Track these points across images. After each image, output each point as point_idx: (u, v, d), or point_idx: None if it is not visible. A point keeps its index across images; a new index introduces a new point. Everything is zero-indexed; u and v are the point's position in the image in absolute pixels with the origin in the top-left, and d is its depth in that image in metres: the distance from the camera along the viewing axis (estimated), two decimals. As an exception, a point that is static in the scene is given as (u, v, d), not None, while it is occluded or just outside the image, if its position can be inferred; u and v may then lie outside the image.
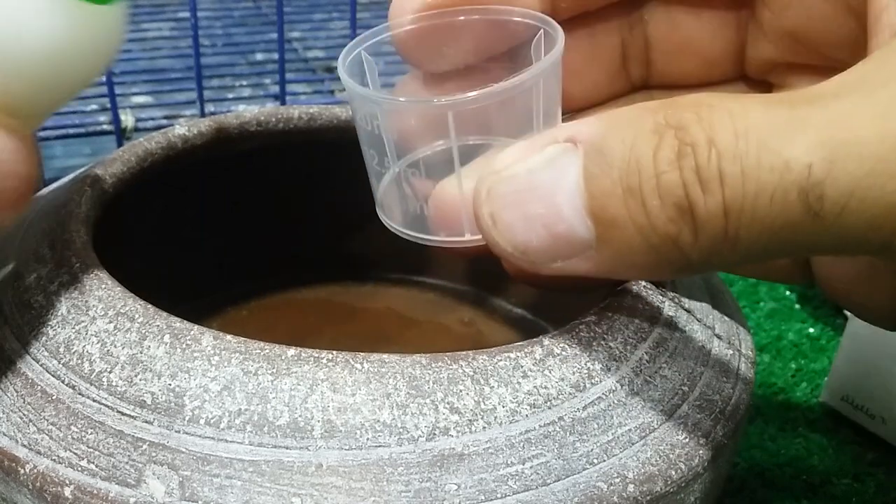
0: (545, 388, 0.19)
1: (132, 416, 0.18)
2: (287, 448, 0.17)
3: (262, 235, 0.33)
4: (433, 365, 0.19)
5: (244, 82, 0.56)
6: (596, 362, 0.20)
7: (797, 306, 0.41)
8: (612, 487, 0.18)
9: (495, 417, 0.18)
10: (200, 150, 0.29)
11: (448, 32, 0.22)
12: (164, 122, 0.47)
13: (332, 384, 0.18)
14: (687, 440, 0.20)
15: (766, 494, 0.31)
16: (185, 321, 0.19)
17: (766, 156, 0.15)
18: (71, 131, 0.44)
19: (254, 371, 0.18)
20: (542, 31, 0.21)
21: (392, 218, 0.23)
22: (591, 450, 0.18)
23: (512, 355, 0.19)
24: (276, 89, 0.52)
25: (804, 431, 0.34)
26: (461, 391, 0.18)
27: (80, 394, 0.19)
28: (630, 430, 0.19)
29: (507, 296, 0.34)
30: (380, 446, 0.18)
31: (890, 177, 0.15)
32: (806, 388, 0.36)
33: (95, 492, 0.17)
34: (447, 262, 0.34)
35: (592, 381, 0.19)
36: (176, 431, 0.18)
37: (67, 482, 0.17)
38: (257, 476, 0.17)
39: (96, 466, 0.17)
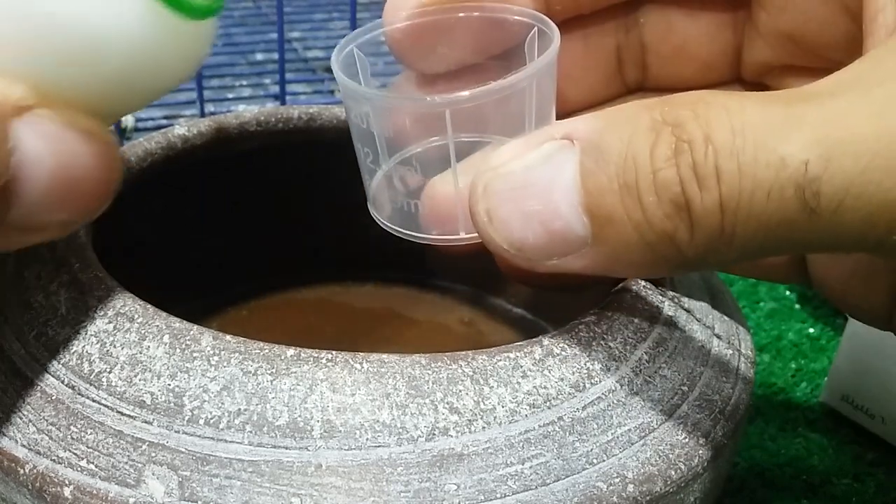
0: (545, 388, 0.19)
1: (132, 417, 0.18)
2: (286, 448, 0.17)
3: (262, 235, 0.33)
4: (433, 365, 0.19)
5: (244, 82, 0.56)
6: (595, 362, 0.20)
7: (797, 306, 0.41)
8: (611, 487, 0.18)
9: (495, 417, 0.18)
10: (200, 151, 0.29)
11: (443, 31, 0.22)
12: (164, 122, 0.47)
13: (331, 384, 0.18)
14: (686, 440, 0.20)
15: (766, 494, 0.31)
16: (184, 321, 0.19)
17: (763, 153, 0.15)
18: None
19: (253, 371, 0.18)
20: (535, 29, 0.21)
21: (384, 215, 0.23)
22: (591, 450, 0.18)
23: (511, 355, 0.19)
24: (276, 89, 0.52)
25: (804, 431, 0.34)
26: (461, 391, 0.18)
27: (79, 394, 0.19)
28: (630, 430, 0.19)
29: (507, 296, 0.34)
30: (379, 446, 0.18)
31: (886, 173, 0.15)
32: (806, 388, 0.36)
33: (95, 492, 0.17)
34: (447, 262, 0.34)
35: (592, 381, 0.19)
36: (175, 431, 0.18)
37: (67, 482, 0.17)
38: (257, 476, 0.17)
39: (96, 466, 0.17)
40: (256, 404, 0.18)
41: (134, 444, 0.18)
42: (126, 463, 0.17)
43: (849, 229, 0.15)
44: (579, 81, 0.24)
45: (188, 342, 0.19)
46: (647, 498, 0.18)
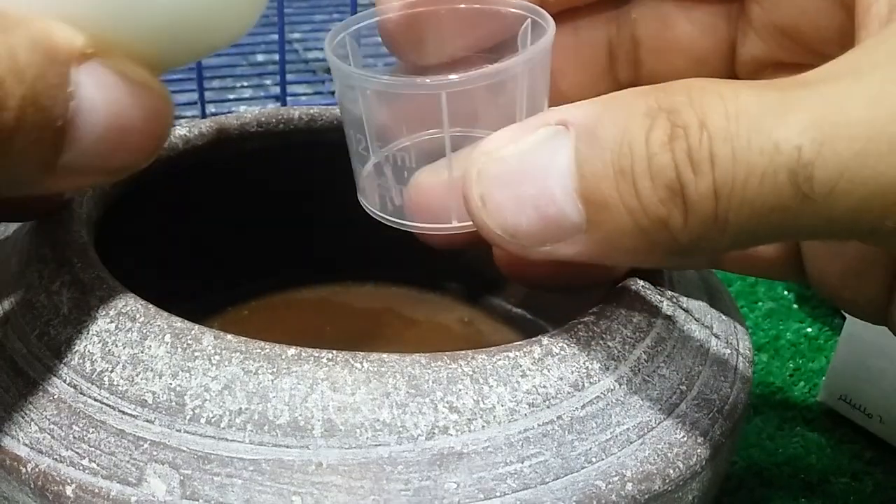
0: (544, 387, 0.19)
1: (133, 416, 0.18)
2: (287, 447, 0.18)
3: (262, 236, 0.33)
4: (432, 364, 0.19)
5: (245, 83, 0.56)
6: (594, 361, 0.20)
7: (795, 306, 0.41)
8: (610, 486, 0.18)
9: (494, 416, 0.18)
10: (201, 151, 0.29)
11: (436, 22, 0.22)
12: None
13: (331, 383, 0.18)
14: (685, 439, 0.20)
15: (764, 493, 0.31)
16: (185, 321, 0.20)
17: (757, 138, 0.15)
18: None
19: (254, 370, 0.18)
20: (529, 21, 0.21)
21: (374, 204, 0.22)
22: (590, 448, 0.19)
23: (511, 355, 0.19)
24: (276, 90, 0.52)
25: (802, 430, 0.34)
26: (460, 390, 0.18)
27: (81, 393, 0.19)
28: (628, 428, 0.19)
29: (507, 296, 0.34)
30: (379, 445, 0.18)
31: (879, 158, 0.15)
32: (804, 388, 0.36)
33: (97, 490, 0.17)
34: (447, 261, 0.34)
35: (591, 380, 0.20)
36: (177, 430, 0.18)
37: (69, 481, 0.17)
38: (258, 475, 0.17)
39: (98, 465, 0.18)
40: (257, 403, 0.18)
41: (136, 442, 0.18)
42: (128, 462, 0.18)
43: (842, 215, 0.15)
44: (570, 77, 0.24)
45: (189, 341, 0.19)
46: (646, 496, 0.18)
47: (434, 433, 0.18)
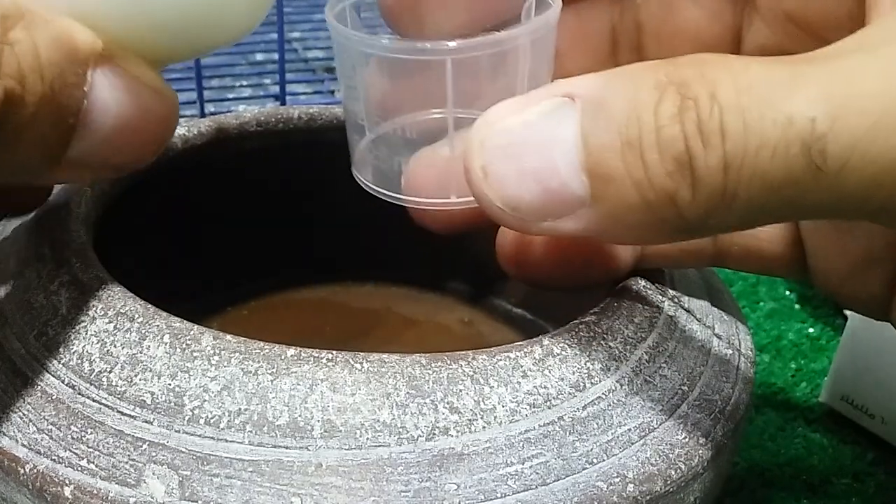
0: (545, 387, 0.19)
1: (132, 416, 0.18)
2: (287, 448, 0.17)
3: (262, 235, 0.33)
4: (433, 365, 0.19)
5: (244, 82, 0.56)
6: (596, 362, 0.20)
7: (797, 306, 0.41)
8: (611, 487, 0.18)
9: (495, 417, 0.18)
10: (200, 151, 0.29)
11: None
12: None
13: (331, 384, 0.18)
14: (687, 440, 0.20)
15: (766, 494, 0.31)
16: (184, 321, 0.19)
17: (769, 110, 0.15)
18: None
19: (253, 371, 0.18)
20: None
21: (369, 178, 0.22)
22: (591, 449, 0.19)
23: (511, 355, 0.19)
24: (276, 89, 0.52)
25: (804, 431, 0.34)
26: (461, 391, 0.18)
27: (79, 393, 0.19)
28: (630, 429, 0.19)
29: (507, 296, 0.34)
30: (379, 446, 0.18)
31: (893, 132, 0.14)
32: (806, 388, 0.36)
33: (95, 491, 0.17)
34: (447, 261, 0.34)
35: (592, 380, 0.19)
36: (176, 431, 0.18)
37: (67, 482, 0.17)
38: (257, 476, 0.17)
39: (96, 466, 0.17)
40: (257, 404, 0.18)
41: (134, 443, 0.18)
42: (126, 462, 0.17)
43: (853, 191, 0.15)
44: (572, 61, 0.24)
45: (188, 342, 0.19)
46: (647, 497, 0.18)
47: (434, 434, 0.18)
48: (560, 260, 0.23)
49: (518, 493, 0.17)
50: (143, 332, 0.19)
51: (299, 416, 0.18)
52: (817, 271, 0.22)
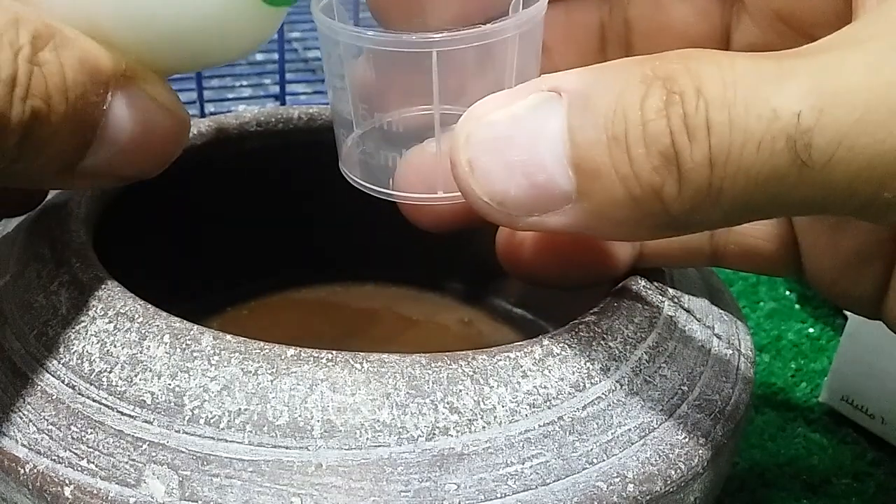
0: (545, 387, 0.19)
1: (132, 416, 0.18)
2: (287, 448, 0.17)
3: (262, 235, 0.33)
4: (433, 365, 0.19)
5: (244, 82, 0.56)
6: (595, 362, 0.20)
7: (797, 306, 0.41)
8: (611, 487, 0.18)
9: (495, 417, 0.18)
10: (200, 151, 0.29)
11: None
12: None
13: (331, 384, 0.18)
14: (686, 440, 0.20)
15: (766, 494, 0.31)
16: (184, 321, 0.19)
17: (755, 104, 0.15)
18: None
19: (253, 371, 0.18)
20: None
21: (357, 174, 0.22)
22: (591, 449, 0.19)
23: (511, 355, 0.19)
24: (276, 89, 0.52)
25: (804, 431, 0.34)
26: (461, 391, 0.18)
27: (79, 394, 0.19)
28: (630, 429, 0.19)
29: (507, 296, 0.34)
30: (379, 446, 0.18)
31: (878, 126, 0.14)
32: (805, 388, 0.36)
33: (95, 492, 0.17)
34: (447, 261, 0.34)
35: (592, 380, 0.19)
36: (176, 431, 0.18)
37: (67, 482, 0.17)
38: (257, 476, 0.17)
39: (96, 466, 0.17)
40: (257, 404, 0.18)
41: (134, 443, 0.18)
42: (126, 462, 0.17)
43: (839, 184, 0.15)
44: (561, 59, 0.23)
45: (188, 342, 0.19)
46: (647, 497, 0.18)
47: (434, 434, 0.18)
48: (553, 257, 0.23)
49: (518, 493, 0.17)
50: (143, 332, 0.19)
51: (299, 416, 0.18)
52: (811, 270, 0.22)
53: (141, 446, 0.18)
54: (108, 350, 0.19)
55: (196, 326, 0.19)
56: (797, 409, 0.35)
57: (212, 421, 0.18)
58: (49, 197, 0.25)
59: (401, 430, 0.18)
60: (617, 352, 0.20)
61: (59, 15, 0.18)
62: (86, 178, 0.19)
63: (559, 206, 0.17)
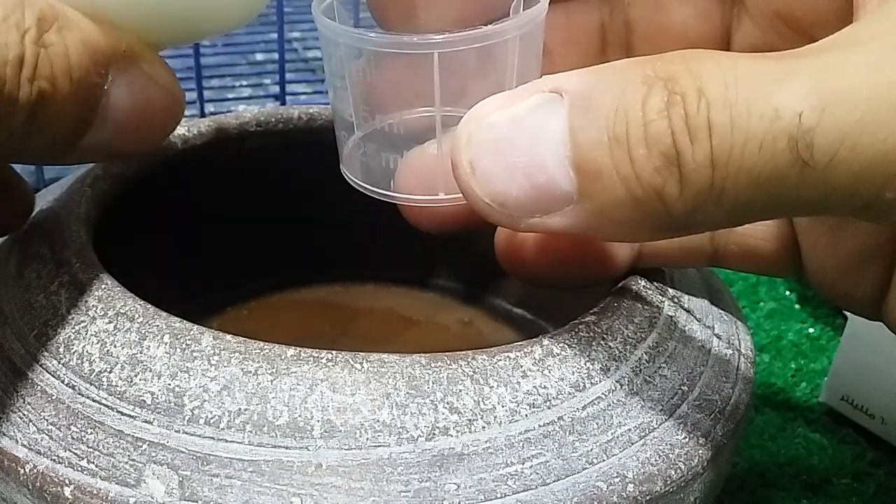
0: (545, 387, 0.19)
1: (132, 416, 0.18)
2: (287, 448, 0.17)
3: (262, 236, 0.33)
4: (433, 365, 0.19)
5: (244, 82, 0.56)
6: (595, 362, 0.20)
7: (797, 306, 0.41)
8: (611, 487, 0.18)
9: (495, 417, 0.18)
10: (200, 151, 0.29)
11: None
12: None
13: (331, 384, 0.18)
14: (686, 440, 0.20)
15: (766, 494, 0.31)
16: (184, 321, 0.19)
17: (756, 104, 0.15)
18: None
19: (253, 371, 0.18)
20: None
21: (358, 175, 0.22)
22: (591, 449, 0.18)
23: (511, 355, 0.19)
24: (276, 89, 0.52)
25: (804, 431, 0.34)
26: (461, 391, 0.18)
27: (79, 394, 0.19)
28: (630, 429, 0.19)
29: (507, 296, 0.34)
30: (379, 446, 0.18)
31: (881, 125, 0.14)
32: (806, 388, 0.36)
33: (95, 492, 0.17)
34: (447, 261, 0.34)
35: (592, 380, 0.19)
36: (176, 431, 0.18)
37: (67, 482, 0.17)
38: (257, 476, 0.17)
39: (96, 466, 0.17)
40: (257, 404, 0.18)
41: (134, 443, 0.18)
42: (126, 463, 0.17)
43: (841, 185, 0.15)
44: (562, 60, 0.23)
45: (188, 342, 0.19)
46: (647, 498, 0.18)
47: (434, 434, 0.18)
48: (554, 257, 0.23)
49: (518, 493, 0.17)
50: (143, 332, 0.19)
51: (299, 416, 0.18)
52: (811, 270, 0.22)
53: (141, 446, 0.18)
54: (108, 350, 0.19)
55: (196, 326, 0.19)
56: (797, 409, 0.35)
57: (212, 421, 0.18)
58: (49, 197, 0.25)
59: (401, 430, 0.18)
60: (617, 352, 0.20)
61: None
62: (87, 153, 0.19)
63: (560, 207, 0.17)
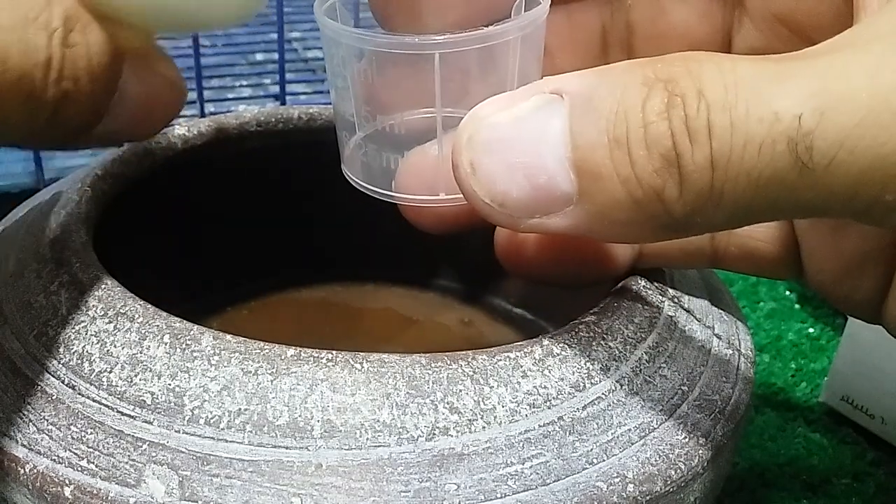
0: (545, 387, 0.19)
1: (132, 416, 0.18)
2: (287, 448, 0.17)
3: (262, 235, 0.33)
4: (433, 365, 0.19)
5: (244, 82, 0.56)
6: (595, 362, 0.20)
7: (797, 306, 0.41)
8: (611, 487, 0.18)
9: (495, 417, 0.18)
10: (200, 151, 0.29)
11: None
12: (165, 122, 0.47)
13: (331, 384, 0.18)
14: (686, 440, 0.20)
15: (766, 494, 0.31)
16: (184, 321, 0.19)
17: (756, 107, 0.15)
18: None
19: (253, 371, 0.18)
20: None
21: (359, 175, 0.22)
22: (591, 450, 0.18)
23: (511, 355, 0.19)
24: (276, 89, 0.52)
25: (804, 431, 0.34)
26: (461, 391, 0.18)
27: (79, 394, 0.19)
28: (630, 429, 0.19)
29: (507, 296, 0.34)
30: (379, 446, 0.18)
31: (880, 128, 0.14)
32: (806, 388, 0.36)
33: (95, 492, 0.17)
34: (447, 261, 0.34)
35: (592, 380, 0.19)
36: (176, 431, 0.18)
37: (67, 482, 0.17)
38: (257, 476, 0.17)
39: (96, 466, 0.17)
40: (257, 404, 0.18)
41: (134, 443, 0.18)
42: (126, 463, 0.17)
43: (840, 188, 0.15)
44: (563, 62, 0.24)
45: (188, 342, 0.19)
46: (647, 498, 0.18)
47: (434, 434, 0.18)
48: (554, 256, 0.23)
49: (518, 493, 0.17)
50: (143, 332, 0.19)
51: (299, 416, 0.18)
52: (812, 272, 0.22)
53: (141, 446, 0.18)
54: (108, 350, 0.19)
55: (196, 326, 0.19)
56: (797, 409, 0.35)
57: (212, 421, 0.18)
58: (49, 197, 0.25)
59: (401, 430, 0.18)
60: (617, 352, 0.20)
61: None
62: (92, 140, 0.20)
63: (560, 207, 0.17)
